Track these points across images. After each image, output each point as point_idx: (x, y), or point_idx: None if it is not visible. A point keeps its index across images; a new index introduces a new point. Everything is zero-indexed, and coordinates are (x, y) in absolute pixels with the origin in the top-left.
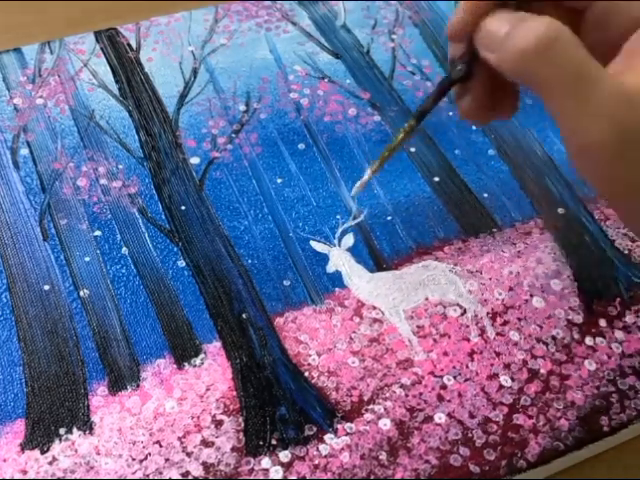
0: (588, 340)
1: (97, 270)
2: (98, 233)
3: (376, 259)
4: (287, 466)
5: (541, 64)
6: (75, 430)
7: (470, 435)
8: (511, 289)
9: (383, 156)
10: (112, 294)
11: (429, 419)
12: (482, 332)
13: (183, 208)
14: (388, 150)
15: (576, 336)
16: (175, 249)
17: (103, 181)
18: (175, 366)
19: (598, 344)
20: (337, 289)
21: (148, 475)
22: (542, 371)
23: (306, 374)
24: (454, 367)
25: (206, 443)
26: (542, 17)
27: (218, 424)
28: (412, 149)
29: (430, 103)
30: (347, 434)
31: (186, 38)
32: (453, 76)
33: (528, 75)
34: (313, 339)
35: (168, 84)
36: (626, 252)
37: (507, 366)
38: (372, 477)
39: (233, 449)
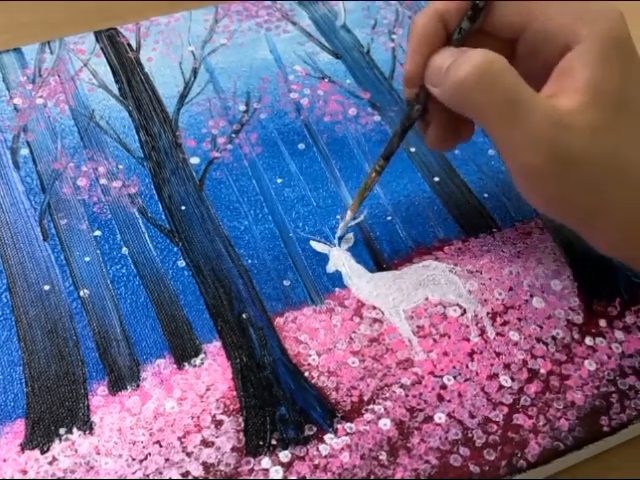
0: (588, 340)
1: (97, 270)
2: (98, 233)
3: (376, 259)
4: (287, 466)
5: (477, 92)
6: (75, 430)
7: (470, 435)
8: (511, 289)
9: (360, 196)
10: (112, 294)
11: (429, 419)
12: (482, 332)
13: (183, 208)
14: (364, 190)
15: (576, 336)
16: (175, 249)
17: (103, 181)
18: (175, 366)
19: (598, 344)
20: (337, 289)
21: (148, 475)
22: (542, 371)
23: (306, 374)
24: (454, 367)
25: (206, 443)
26: (479, 49)
27: (218, 424)
28: (412, 149)
29: (396, 142)
30: (347, 434)
31: (186, 38)
32: (412, 116)
33: (467, 103)
34: (313, 339)
35: (168, 84)
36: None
37: (507, 366)
38: (372, 477)
39: (233, 449)
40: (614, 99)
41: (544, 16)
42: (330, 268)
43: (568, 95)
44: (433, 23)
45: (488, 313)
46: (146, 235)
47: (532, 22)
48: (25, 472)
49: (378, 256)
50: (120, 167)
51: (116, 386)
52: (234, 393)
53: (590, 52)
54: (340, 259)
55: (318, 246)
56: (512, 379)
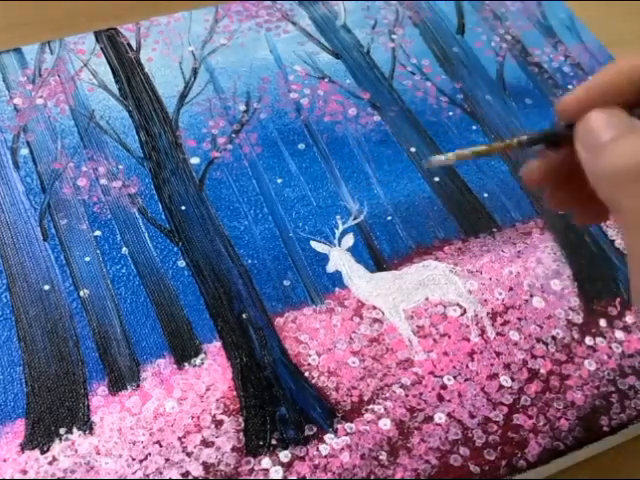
0: (588, 340)
1: (97, 270)
2: (98, 233)
3: (376, 259)
4: (287, 466)
5: (629, 193)
6: (75, 430)
7: (470, 435)
8: (511, 289)
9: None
10: (112, 294)
11: (429, 419)
12: (482, 332)
13: (183, 208)
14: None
15: (576, 336)
16: (175, 249)
17: (103, 181)
18: (175, 366)
19: (598, 344)
20: (337, 289)
21: (148, 475)
22: (542, 371)
23: (306, 374)
24: (454, 367)
25: (206, 443)
26: None
27: (218, 424)
28: (412, 149)
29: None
30: (347, 434)
31: (186, 38)
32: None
33: (613, 198)
34: (313, 339)
35: (168, 84)
36: (626, 252)
37: (507, 366)
38: (372, 477)
39: (233, 449)
40: None
41: None
42: (330, 268)
43: None
44: (621, 77)
45: (488, 313)
46: (146, 235)
47: None
48: (25, 472)
49: (378, 256)
50: (120, 167)
51: (116, 386)
52: (234, 393)
53: None
54: (340, 259)
55: (318, 246)
56: (512, 379)
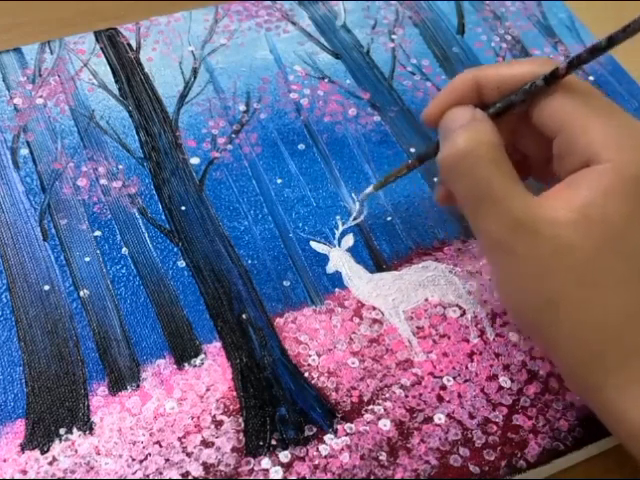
0: None
1: (97, 270)
2: (98, 233)
3: (376, 260)
4: (287, 466)
5: (452, 175)
6: (75, 430)
7: (470, 436)
8: None
9: (386, 179)
10: (112, 294)
11: (429, 420)
12: (482, 333)
13: (183, 208)
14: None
15: None
16: (175, 249)
17: (103, 181)
18: (175, 366)
19: None
20: (337, 289)
21: (148, 475)
22: (541, 372)
23: (306, 374)
24: (454, 368)
25: (206, 443)
26: (473, 127)
27: (218, 424)
28: (412, 149)
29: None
30: (347, 434)
31: (186, 38)
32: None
33: (447, 181)
34: (313, 339)
35: (168, 84)
36: None
37: (506, 367)
38: (372, 477)
39: (233, 449)
40: (604, 232)
41: (578, 126)
42: (330, 269)
43: (559, 205)
44: (468, 84)
45: (488, 314)
46: (146, 235)
47: (565, 128)
48: (25, 472)
49: (378, 257)
50: (120, 167)
51: (116, 386)
52: (234, 393)
53: (601, 177)
54: (340, 259)
55: (318, 246)
56: (511, 380)
